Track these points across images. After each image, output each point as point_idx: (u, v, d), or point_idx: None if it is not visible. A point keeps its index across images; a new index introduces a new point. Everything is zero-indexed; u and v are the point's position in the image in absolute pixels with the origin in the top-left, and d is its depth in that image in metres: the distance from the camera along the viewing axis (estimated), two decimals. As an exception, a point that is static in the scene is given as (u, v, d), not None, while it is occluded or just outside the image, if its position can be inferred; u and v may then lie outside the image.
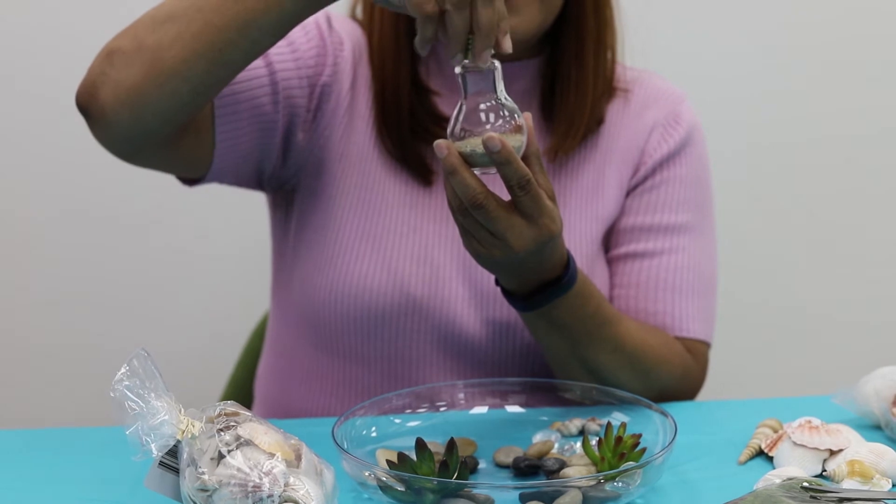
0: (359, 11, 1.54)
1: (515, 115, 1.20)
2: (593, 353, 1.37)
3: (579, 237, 1.48)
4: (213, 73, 1.26)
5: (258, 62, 1.41)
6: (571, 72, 1.48)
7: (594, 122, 1.51)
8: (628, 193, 1.53)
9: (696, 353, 1.51)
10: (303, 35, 1.46)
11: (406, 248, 1.46)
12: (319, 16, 1.49)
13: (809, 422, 1.25)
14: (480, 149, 1.18)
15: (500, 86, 1.21)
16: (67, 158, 2.35)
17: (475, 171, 1.20)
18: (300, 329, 1.52)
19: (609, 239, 1.53)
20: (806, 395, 1.44)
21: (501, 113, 1.20)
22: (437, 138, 1.46)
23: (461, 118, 1.20)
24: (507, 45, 1.19)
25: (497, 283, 1.34)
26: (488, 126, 1.19)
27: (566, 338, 1.36)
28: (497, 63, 1.20)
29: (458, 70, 1.20)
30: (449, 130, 1.21)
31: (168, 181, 1.49)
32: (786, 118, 2.41)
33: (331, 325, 1.47)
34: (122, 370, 1.05)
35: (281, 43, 1.42)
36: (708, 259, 1.54)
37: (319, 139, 1.48)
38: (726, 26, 2.37)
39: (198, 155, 1.40)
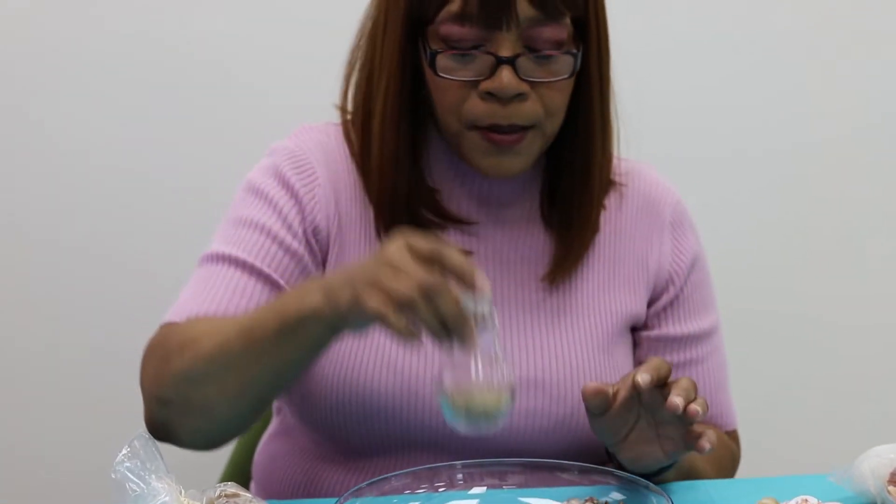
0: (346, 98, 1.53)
1: (504, 372, 1.19)
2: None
3: (593, 333, 1.50)
4: (267, 397, 1.35)
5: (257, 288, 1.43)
6: (576, 179, 1.48)
7: (597, 229, 1.52)
8: (651, 303, 1.55)
9: (737, 440, 1.59)
10: (276, 217, 1.46)
11: (408, 349, 1.44)
12: (276, 184, 1.48)
13: (806, 500, 1.25)
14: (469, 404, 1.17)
15: (494, 339, 1.19)
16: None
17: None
18: (304, 426, 1.52)
19: (643, 326, 1.56)
20: (802, 473, 1.45)
21: (492, 370, 1.18)
22: (435, 233, 1.46)
23: (453, 368, 1.19)
24: (481, 286, 1.16)
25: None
26: (473, 380, 1.18)
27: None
28: (496, 324, 1.19)
29: None
30: (439, 378, 1.20)
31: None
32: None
33: (339, 428, 1.46)
34: (123, 451, 1.06)
35: (262, 242, 1.44)
36: (724, 347, 1.60)
37: (330, 267, 1.48)
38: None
39: None
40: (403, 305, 1.13)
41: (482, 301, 1.17)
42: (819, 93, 2.44)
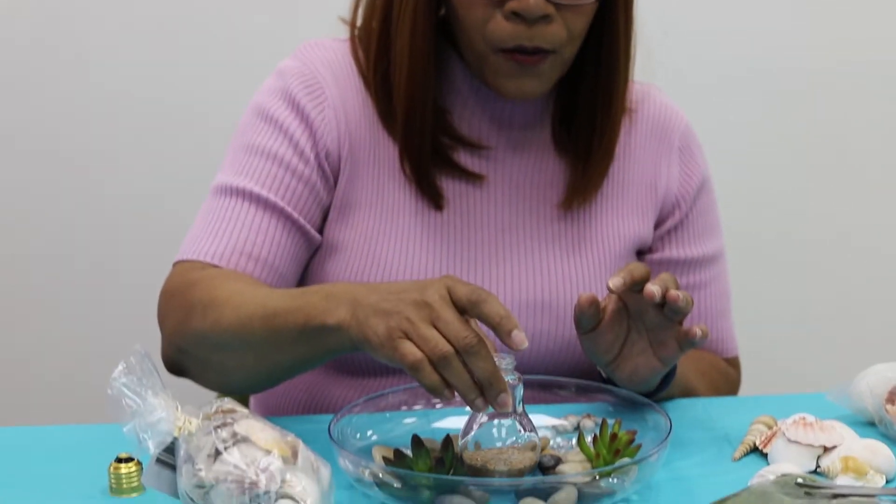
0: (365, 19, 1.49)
1: (532, 434, 1.18)
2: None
3: (602, 257, 1.50)
4: (285, 377, 1.35)
5: (267, 222, 1.41)
6: (598, 105, 1.46)
7: (613, 155, 1.50)
8: (657, 226, 1.55)
9: (737, 367, 1.60)
10: (287, 144, 1.44)
11: (417, 272, 1.44)
12: (286, 107, 1.45)
13: (804, 418, 1.25)
14: (492, 465, 1.16)
15: (519, 398, 1.17)
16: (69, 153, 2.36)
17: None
18: None
19: (648, 249, 1.56)
20: (800, 392, 1.45)
21: (517, 430, 1.17)
22: (451, 160, 1.45)
23: (474, 429, 1.17)
24: (519, 342, 1.11)
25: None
26: (499, 444, 1.17)
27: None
28: (519, 378, 1.17)
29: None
30: (461, 437, 1.18)
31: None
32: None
33: None
34: (120, 367, 1.05)
35: (275, 172, 1.43)
36: (728, 275, 1.60)
37: (343, 191, 1.47)
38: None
39: None
40: (438, 362, 1.09)
41: (510, 357, 1.16)
42: (822, 18, 2.42)
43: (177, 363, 1.38)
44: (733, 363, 1.60)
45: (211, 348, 1.32)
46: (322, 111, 1.45)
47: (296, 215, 1.42)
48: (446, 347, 1.09)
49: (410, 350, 1.10)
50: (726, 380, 1.57)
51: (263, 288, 1.35)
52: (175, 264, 1.42)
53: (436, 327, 1.10)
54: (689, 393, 1.44)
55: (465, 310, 1.12)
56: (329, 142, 1.44)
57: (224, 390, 1.41)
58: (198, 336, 1.32)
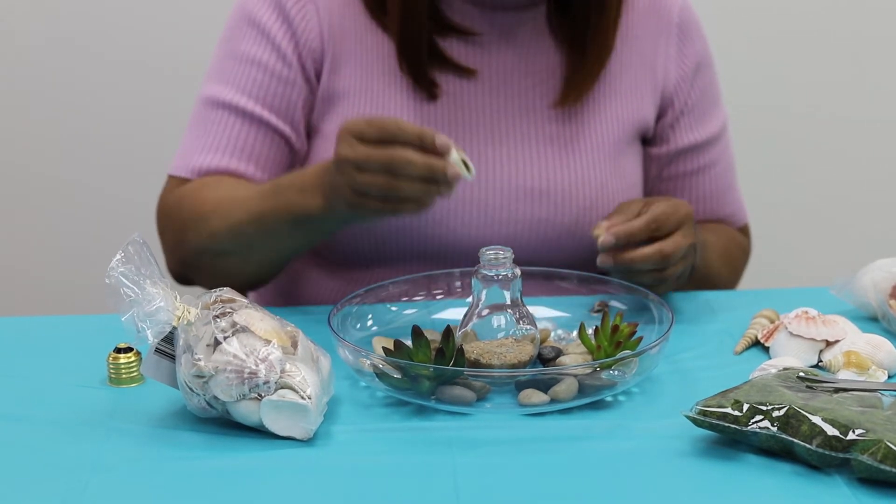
0: None
1: (531, 327, 1.18)
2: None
3: (600, 143, 1.48)
4: (290, 258, 1.43)
5: (248, 129, 1.45)
6: None
7: (612, 45, 1.47)
8: (660, 117, 1.53)
9: (748, 234, 1.62)
10: (270, 49, 1.45)
11: None
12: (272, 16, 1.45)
13: (806, 312, 1.25)
14: (486, 358, 1.16)
15: (518, 294, 1.19)
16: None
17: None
18: None
19: (654, 141, 1.54)
20: (803, 286, 1.45)
21: (516, 323, 1.18)
22: (442, 54, 1.43)
23: (473, 321, 1.19)
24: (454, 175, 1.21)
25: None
26: (501, 335, 1.18)
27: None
28: (517, 271, 1.20)
29: (475, 277, 1.20)
30: (460, 329, 1.19)
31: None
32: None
33: (340, 235, 1.45)
34: (118, 256, 1.05)
35: (260, 80, 1.45)
36: (731, 144, 1.61)
37: (326, 83, 1.46)
38: None
39: None
40: (393, 194, 1.21)
41: (508, 249, 1.20)
42: None
43: (183, 275, 1.45)
44: (744, 231, 1.62)
45: (212, 256, 1.39)
46: (303, 6, 1.44)
47: (282, 125, 1.45)
48: (387, 182, 1.20)
49: (373, 207, 1.23)
50: (742, 250, 1.59)
51: (242, 189, 1.40)
52: (169, 178, 1.47)
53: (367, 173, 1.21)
54: (709, 279, 1.47)
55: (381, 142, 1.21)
56: (311, 38, 1.45)
57: (236, 288, 1.43)
58: (197, 249, 1.40)
